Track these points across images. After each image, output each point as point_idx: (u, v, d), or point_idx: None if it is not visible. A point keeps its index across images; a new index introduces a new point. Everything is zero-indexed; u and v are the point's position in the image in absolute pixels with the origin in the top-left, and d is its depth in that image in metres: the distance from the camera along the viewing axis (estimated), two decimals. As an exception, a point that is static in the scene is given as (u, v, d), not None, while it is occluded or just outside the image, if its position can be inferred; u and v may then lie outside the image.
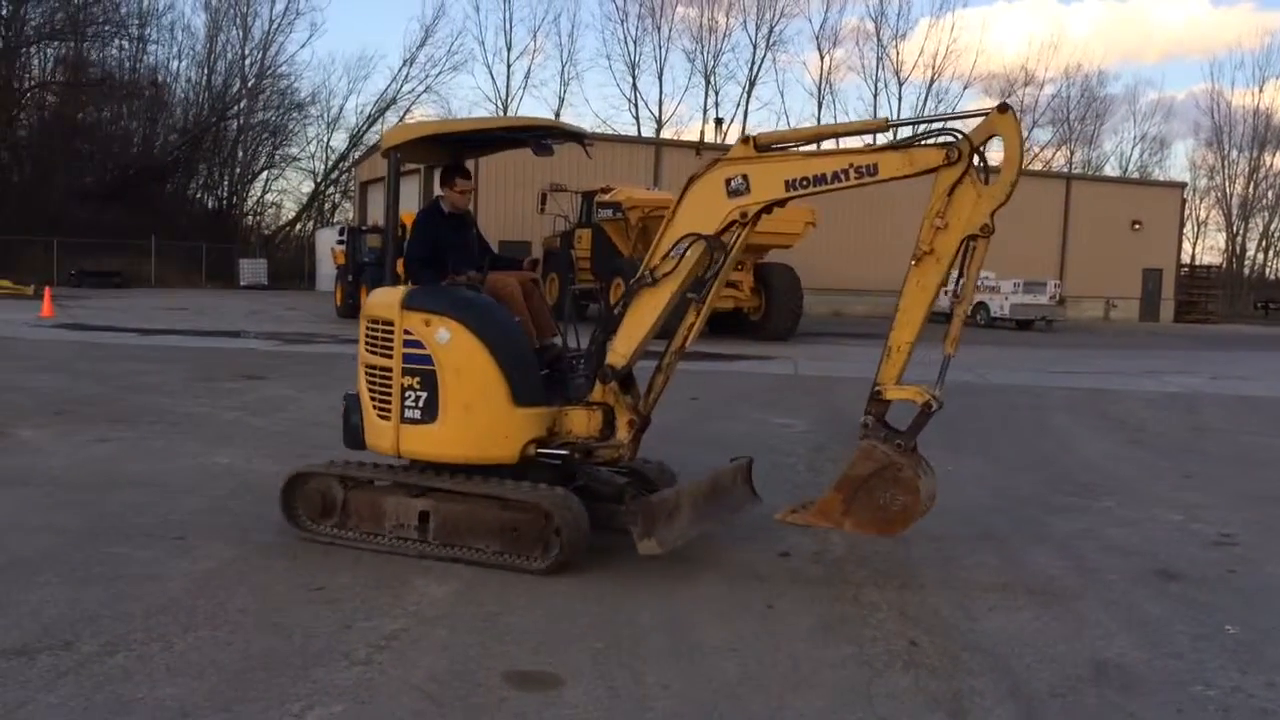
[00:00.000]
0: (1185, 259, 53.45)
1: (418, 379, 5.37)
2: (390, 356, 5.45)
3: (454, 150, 6.28)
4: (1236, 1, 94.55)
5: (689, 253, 5.19)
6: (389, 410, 5.47)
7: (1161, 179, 59.70)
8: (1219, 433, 11.22)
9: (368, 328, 5.62)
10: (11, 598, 4.54)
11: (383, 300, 5.62)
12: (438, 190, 6.15)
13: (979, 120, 4.94)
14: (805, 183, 5.06)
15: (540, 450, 5.35)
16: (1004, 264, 36.27)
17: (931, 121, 5.06)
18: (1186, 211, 55.70)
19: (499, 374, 5.28)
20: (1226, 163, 68.36)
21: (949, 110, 63.45)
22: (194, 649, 4.05)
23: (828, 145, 5.35)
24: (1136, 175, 63.76)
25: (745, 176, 5.11)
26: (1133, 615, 4.87)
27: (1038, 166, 61.17)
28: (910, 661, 4.19)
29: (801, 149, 5.28)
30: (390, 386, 5.45)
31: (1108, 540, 6.24)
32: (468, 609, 4.62)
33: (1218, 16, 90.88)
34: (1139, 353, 24.00)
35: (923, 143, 4.94)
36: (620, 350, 5.33)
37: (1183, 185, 53.20)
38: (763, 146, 5.18)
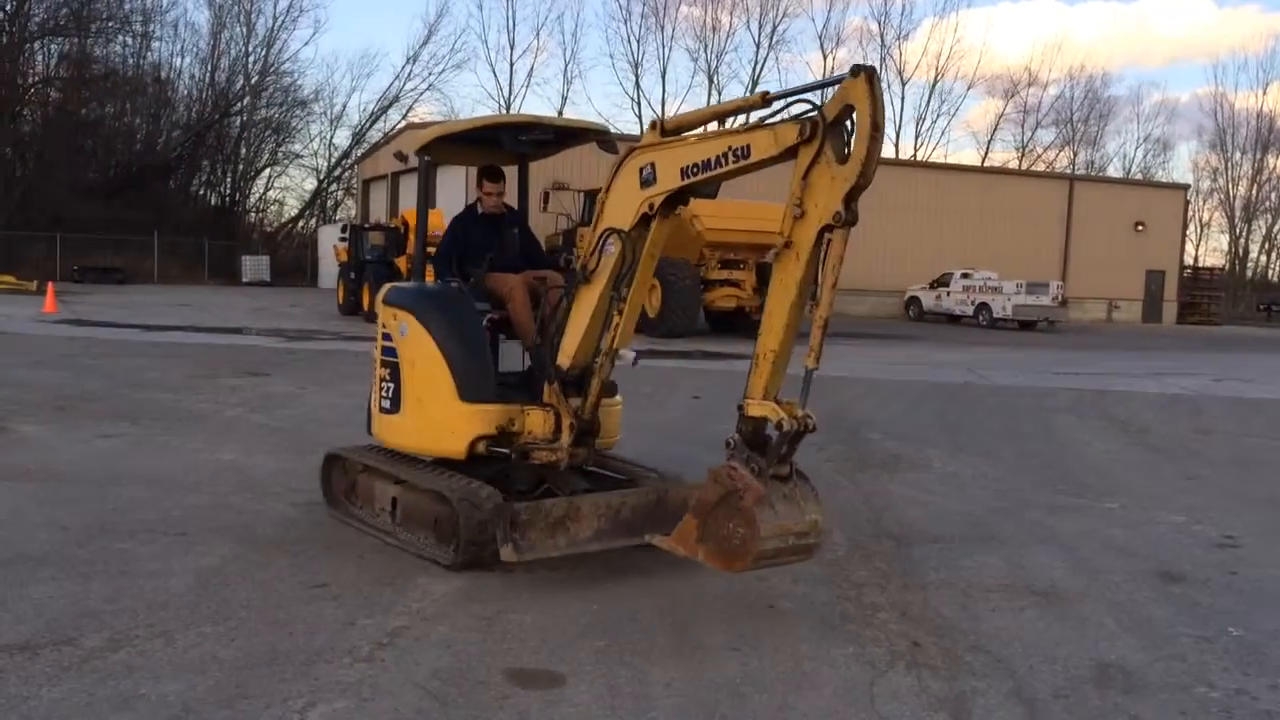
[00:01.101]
0: (1188, 261, 53.35)
1: (387, 370, 5.66)
2: (375, 349, 5.80)
3: (488, 153, 6.17)
4: (1241, 4, 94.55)
5: (611, 248, 4.99)
6: (375, 400, 5.83)
7: (1165, 181, 59.76)
8: (1222, 435, 11.21)
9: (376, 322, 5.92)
10: (14, 593, 4.54)
11: (380, 296, 5.92)
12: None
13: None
14: (695, 169, 4.59)
15: (493, 449, 5.34)
16: (1007, 265, 36.38)
17: (806, 91, 4.30)
18: (1189, 213, 55.69)
19: (446, 369, 5.35)
20: (1230, 165, 68.39)
21: (954, 112, 63.42)
22: (196, 645, 4.05)
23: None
24: (1140, 177, 63.75)
25: (653, 164, 4.76)
26: (1135, 617, 4.87)
27: (1041, 167, 61.21)
28: (913, 662, 4.19)
29: (697, 131, 4.81)
30: (375, 378, 5.80)
31: (1110, 541, 6.24)
32: (470, 606, 4.62)
33: (1223, 18, 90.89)
34: (1142, 354, 23.98)
35: (782, 118, 4.30)
36: (566, 350, 5.22)
37: (1186, 187, 53.24)
38: (669, 131, 4.82)
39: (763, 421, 4.26)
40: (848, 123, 4.04)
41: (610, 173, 5.00)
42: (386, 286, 5.90)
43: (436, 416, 5.38)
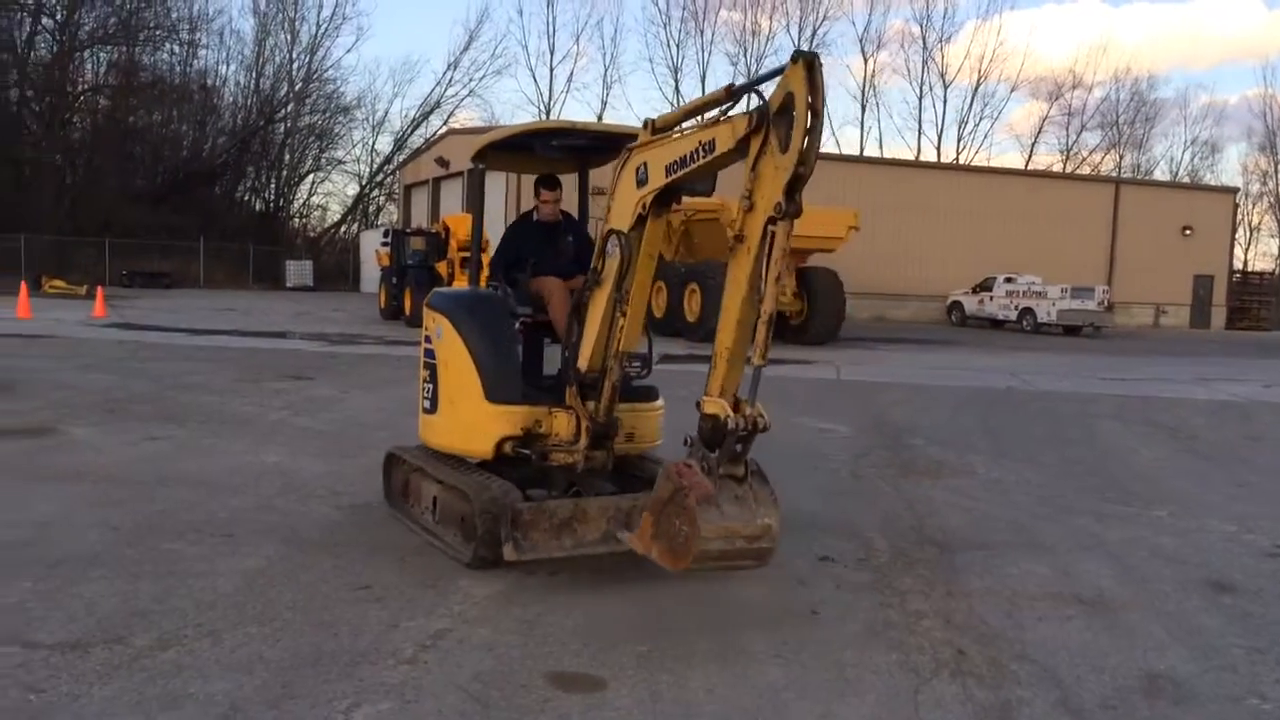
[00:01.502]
0: (1237, 265, 52.47)
1: (428, 372, 5.80)
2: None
3: (541, 161, 6.18)
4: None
5: (614, 250, 5.02)
6: (419, 401, 5.98)
7: (1213, 184, 58.81)
8: (1272, 441, 11.01)
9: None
10: (66, 592, 4.62)
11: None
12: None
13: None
14: (675, 166, 4.60)
15: (519, 450, 5.35)
16: (1051, 269, 35.97)
17: (763, 81, 4.22)
18: (1238, 217, 54.76)
19: (474, 371, 5.42)
20: (1279, 168, 67.10)
21: (997, 115, 62.93)
22: (243, 645, 4.09)
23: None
24: (1187, 180, 62.82)
25: (645, 164, 4.80)
26: (1185, 627, 4.79)
27: (1086, 170, 60.48)
28: (957, 670, 4.14)
29: (677, 130, 4.81)
30: (421, 379, 5.93)
31: (1159, 550, 6.14)
32: (511, 610, 4.63)
33: (1273, 19, 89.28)
34: (1189, 360, 23.60)
35: (735, 111, 4.33)
36: (583, 353, 5.26)
37: (1235, 190, 52.37)
38: (658, 129, 4.82)
39: (717, 419, 4.16)
40: (795, 113, 3.91)
41: (614, 175, 5.02)
42: (434, 291, 6.06)
43: (466, 417, 5.47)
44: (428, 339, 5.80)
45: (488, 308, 5.71)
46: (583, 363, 5.26)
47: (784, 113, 3.96)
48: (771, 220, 3.98)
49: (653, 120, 4.87)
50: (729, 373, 4.25)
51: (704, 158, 4.41)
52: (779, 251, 3.99)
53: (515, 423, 5.35)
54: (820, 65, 3.92)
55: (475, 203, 6.39)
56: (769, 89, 4.10)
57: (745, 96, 4.42)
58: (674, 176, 4.63)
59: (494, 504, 4.95)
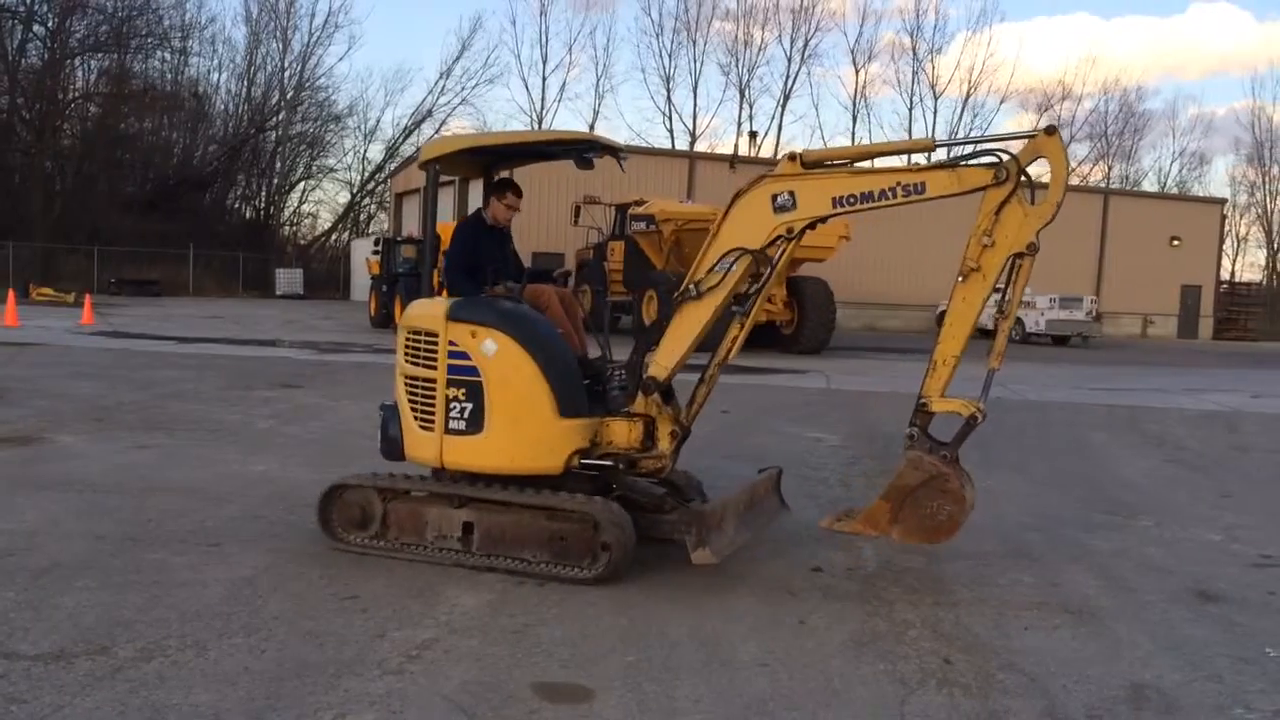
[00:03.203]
0: (1225, 276, 52.76)
1: (463, 390, 5.38)
2: (434, 368, 5.45)
3: (489, 163, 6.34)
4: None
5: (735, 267, 5.30)
6: (432, 421, 5.47)
7: (1201, 195, 59.07)
8: (1260, 452, 11.05)
9: (408, 339, 5.62)
10: (50, 602, 4.60)
11: (425, 312, 5.62)
12: (480, 202, 6.22)
13: (1024, 141, 5.05)
14: (853, 200, 5.16)
15: (584, 461, 5.38)
16: (1040, 279, 35.89)
17: (977, 143, 5.17)
18: (1226, 228, 55.03)
19: (545, 386, 5.31)
20: (1267, 179, 67.48)
21: (987, 125, 63.16)
22: (228, 655, 4.08)
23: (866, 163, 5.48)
24: (1175, 191, 63.11)
25: (792, 193, 5.22)
26: (1171, 637, 4.80)
27: (1075, 181, 60.70)
28: (944, 680, 4.15)
29: (847, 167, 5.38)
30: (433, 398, 5.46)
31: (1146, 560, 6.16)
32: (499, 620, 4.62)
33: (1263, 32, 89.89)
34: (1177, 370, 23.70)
35: (970, 162, 5.05)
36: (663, 363, 5.43)
37: (1223, 201, 52.64)
38: (809, 164, 5.28)
39: (961, 414, 5.04)
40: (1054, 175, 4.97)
41: (730, 201, 5.37)
42: (450, 302, 5.58)
43: (533, 434, 5.32)
44: (463, 356, 5.37)
45: (540, 321, 5.59)
46: (660, 371, 5.42)
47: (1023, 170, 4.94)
48: (1018, 256, 4.99)
49: (800, 154, 5.32)
50: (949, 377, 5.13)
51: (901, 197, 5.08)
52: (1025, 277, 5.06)
53: (586, 435, 5.40)
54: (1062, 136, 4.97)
55: (429, 205, 6.07)
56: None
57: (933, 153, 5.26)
58: (846, 209, 5.19)
59: (689, 514, 5.24)
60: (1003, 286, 5.14)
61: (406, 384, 5.62)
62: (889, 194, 5.11)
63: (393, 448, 5.74)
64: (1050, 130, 5.00)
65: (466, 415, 5.38)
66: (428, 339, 5.49)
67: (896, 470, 5.19)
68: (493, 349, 5.33)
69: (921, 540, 5.19)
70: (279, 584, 5.00)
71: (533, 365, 5.31)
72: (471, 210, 6.49)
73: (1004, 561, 5.98)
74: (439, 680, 3.93)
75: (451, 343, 5.40)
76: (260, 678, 3.88)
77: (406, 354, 5.62)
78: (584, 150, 6.04)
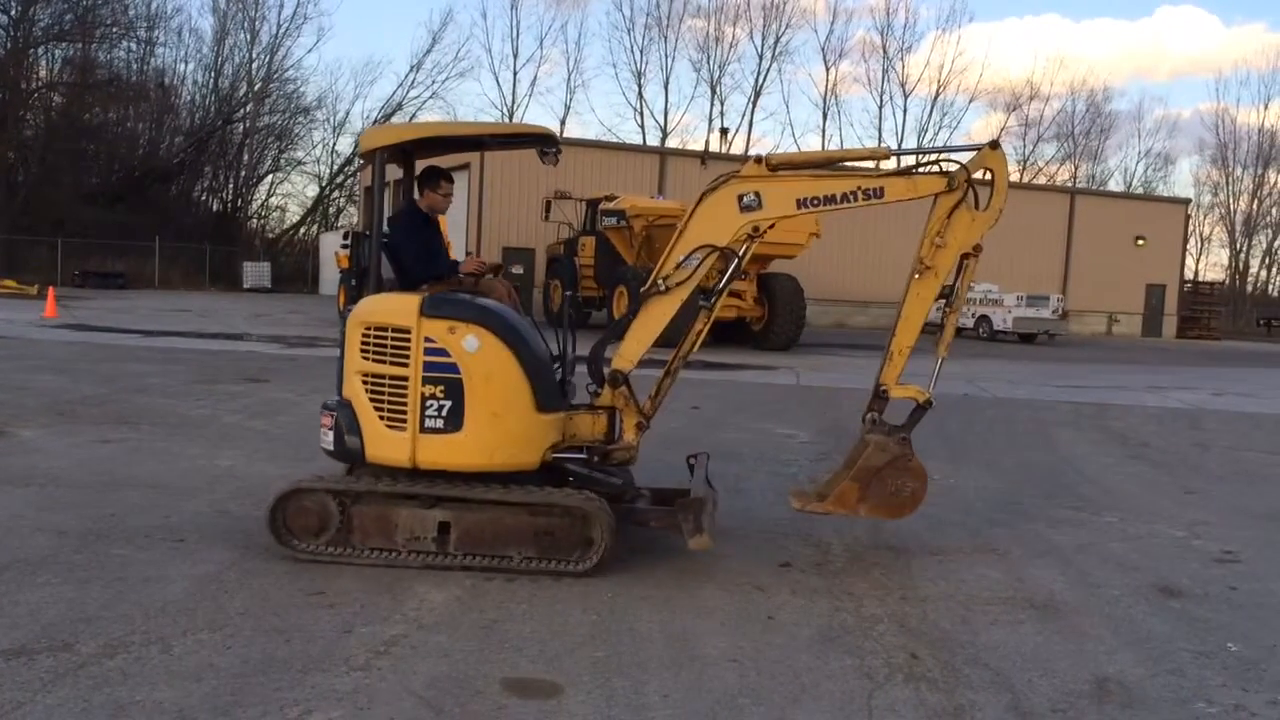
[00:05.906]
0: (1189, 275, 53.42)
1: (441, 388, 5.21)
2: (404, 365, 5.24)
3: (412, 151, 6.24)
4: (1249, 21, 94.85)
5: (701, 262, 5.47)
6: (403, 421, 5.25)
7: (1166, 195, 59.77)
8: (1221, 449, 11.20)
9: (370, 335, 5.36)
10: (11, 598, 4.53)
11: (391, 307, 5.41)
12: (416, 193, 6.23)
13: (972, 154, 5.58)
14: (816, 201, 5.48)
15: (557, 455, 5.41)
16: (1007, 278, 36.40)
17: (929, 153, 5.71)
18: (1190, 228, 55.75)
19: (525, 381, 5.29)
20: (1231, 180, 68.63)
21: (955, 124, 63.60)
22: (192, 652, 4.04)
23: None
24: (1141, 191, 63.84)
25: (758, 194, 5.45)
26: (1134, 631, 4.86)
27: (1042, 180, 61.29)
28: (911, 674, 4.17)
29: (810, 170, 5.64)
30: (404, 396, 5.25)
31: (1110, 555, 6.23)
32: (468, 616, 4.61)
33: (1229, 36, 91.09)
34: (1141, 368, 23.97)
35: (922, 171, 5.55)
36: (628, 355, 5.52)
37: (1187, 201, 53.27)
38: (774, 167, 5.51)
39: (886, 402, 5.66)
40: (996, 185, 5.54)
41: (695, 199, 5.55)
42: (423, 297, 5.39)
43: (514, 430, 5.26)
44: (441, 352, 5.21)
45: (514, 315, 5.56)
46: (625, 364, 5.50)
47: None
48: (966, 255, 5.57)
49: (766, 157, 5.56)
50: (904, 366, 5.64)
51: (861, 200, 5.48)
52: (969, 276, 5.65)
53: (559, 430, 5.43)
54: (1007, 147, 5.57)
55: (377, 197, 5.92)
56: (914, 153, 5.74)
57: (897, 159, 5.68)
58: (809, 210, 5.53)
59: (693, 503, 5.33)
60: (950, 283, 5.61)
61: (370, 382, 5.33)
62: (850, 197, 5.47)
63: (348, 449, 5.40)
64: (994, 145, 5.54)
65: (445, 413, 5.21)
66: (396, 335, 5.26)
67: (860, 452, 5.58)
68: (475, 345, 5.21)
69: (887, 516, 5.68)
70: (244, 580, 4.96)
71: (514, 361, 5.27)
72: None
73: (970, 557, 6.03)
74: (407, 676, 3.91)
75: (428, 339, 5.21)
76: (225, 674, 3.84)
77: (368, 351, 5.35)
78: (524, 144, 6.06)
